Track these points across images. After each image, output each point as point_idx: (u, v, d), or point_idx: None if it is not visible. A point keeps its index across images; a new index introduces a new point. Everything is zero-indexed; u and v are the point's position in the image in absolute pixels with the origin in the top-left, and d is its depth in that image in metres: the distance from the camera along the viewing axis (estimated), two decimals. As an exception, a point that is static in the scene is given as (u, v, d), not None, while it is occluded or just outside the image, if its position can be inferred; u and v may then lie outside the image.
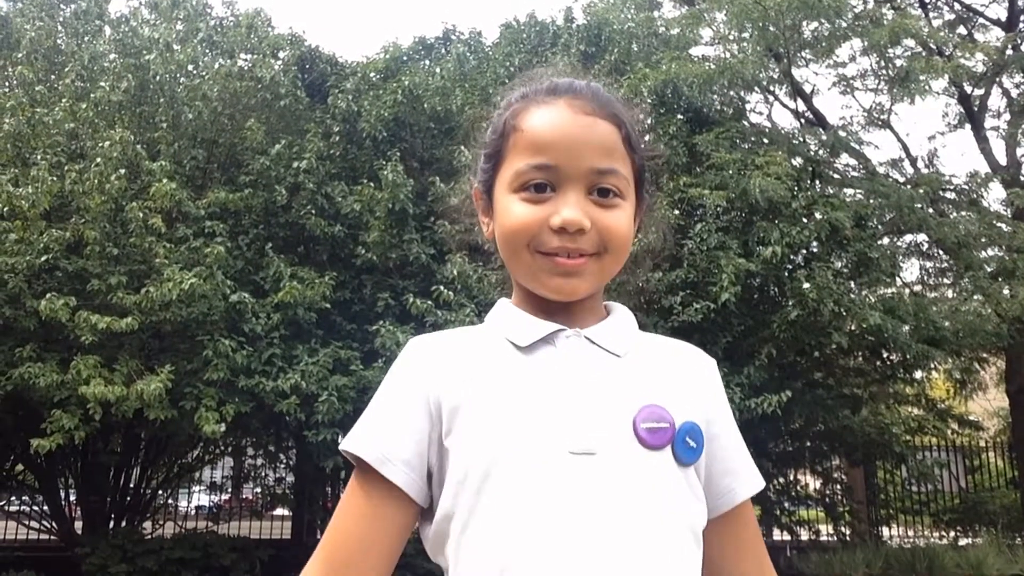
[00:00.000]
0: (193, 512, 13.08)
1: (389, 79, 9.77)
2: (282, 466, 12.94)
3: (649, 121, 10.45)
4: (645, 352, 1.03)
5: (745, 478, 1.02)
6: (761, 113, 12.98)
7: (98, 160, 7.74)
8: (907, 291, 11.18)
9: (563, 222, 0.94)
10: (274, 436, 11.71)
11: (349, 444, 0.95)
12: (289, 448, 12.15)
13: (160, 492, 11.86)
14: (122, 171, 7.81)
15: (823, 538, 12.72)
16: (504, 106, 1.06)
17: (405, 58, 10.99)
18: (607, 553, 0.83)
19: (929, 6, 13.58)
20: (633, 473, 0.89)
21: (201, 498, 13.60)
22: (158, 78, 8.83)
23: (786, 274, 9.07)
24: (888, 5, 12.79)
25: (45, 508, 10.79)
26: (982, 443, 14.45)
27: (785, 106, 13.92)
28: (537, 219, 0.96)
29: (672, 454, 0.92)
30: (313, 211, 8.74)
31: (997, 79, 12.58)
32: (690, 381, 1.02)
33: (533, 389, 0.93)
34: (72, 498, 11.34)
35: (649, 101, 10.04)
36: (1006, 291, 9.37)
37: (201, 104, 8.79)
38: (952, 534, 12.98)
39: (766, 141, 10.81)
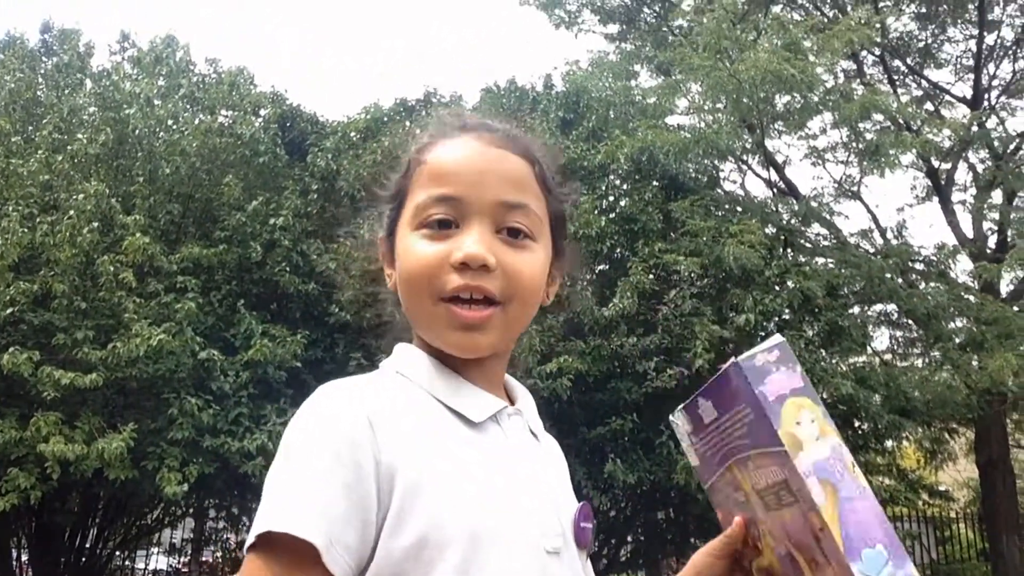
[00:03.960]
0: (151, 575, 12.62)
1: (369, 139, 9.85)
2: (245, 529, 12.58)
3: (625, 186, 10.62)
4: (545, 439, 0.99)
5: None
6: (735, 182, 13.19)
7: (71, 212, 7.66)
8: (877, 360, 11.27)
9: (465, 256, 0.85)
10: (238, 498, 11.41)
11: (287, 524, 0.74)
12: (253, 510, 11.82)
13: (117, 554, 11.46)
14: (95, 224, 7.73)
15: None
16: (411, 146, 0.98)
17: (386, 119, 11.08)
18: None
19: (897, 82, 14.04)
20: (578, 571, 0.87)
21: (159, 561, 13.14)
22: (137, 132, 8.83)
23: (759, 341, 9.11)
24: (858, 81, 13.20)
25: (-5, 569, 10.37)
26: (952, 514, 14.43)
27: (758, 175, 14.18)
28: (438, 257, 0.87)
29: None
30: (288, 268, 8.68)
31: (963, 155, 12.93)
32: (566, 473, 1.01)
33: (501, 479, 0.85)
34: (24, 559, 10.91)
35: (626, 167, 10.20)
36: (975, 363, 9.47)
37: (179, 159, 8.78)
38: (925, 607, 12.86)
39: (739, 209, 10.98)
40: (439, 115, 1.01)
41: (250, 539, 0.78)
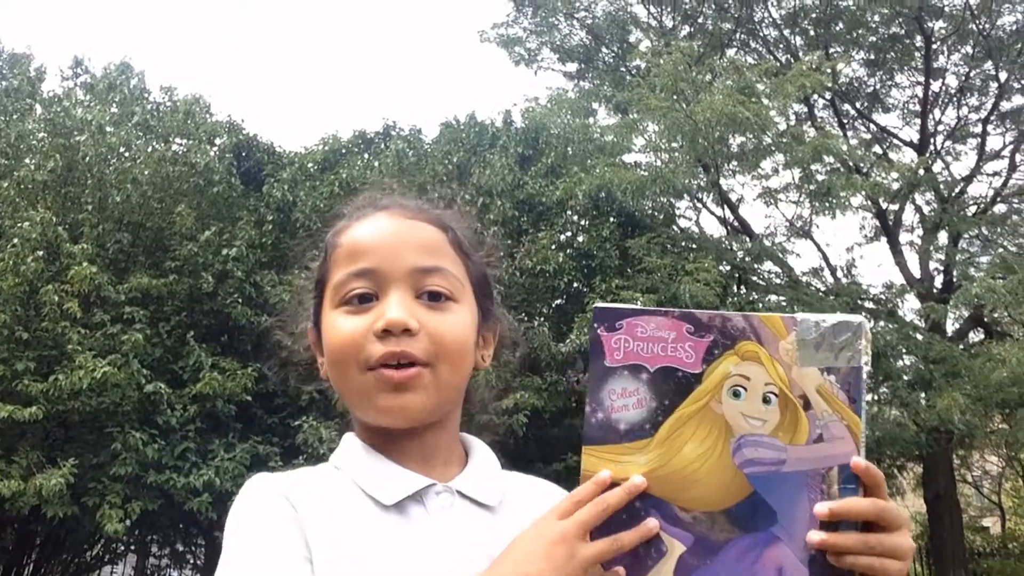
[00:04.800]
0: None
1: (327, 170, 9.80)
2: (190, 566, 12.21)
3: (583, 223, 10.70)
4: (516, 500, 0.93)
5: None
6: (690, 219, 13.39)
7: (15, 240, 7.45)
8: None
9: (387, 323, 0.86)
10: (183, 534, 11.09)
11: None
12: (199, 547, 11.50)
13: (54, 593, 11.02)
14: (40, 252, 7.53)
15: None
16: (329, 234, 0.99)
17: (344, 151, 11.05)
18: None
19: (847, 126, 14.43)
20: None
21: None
22: (87, 159, 8.65)
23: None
24: (809, 124, 13.54)
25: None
26: (902, 549, 14.61)
27: (713, 213, 14.41)
28: (361, 329, 0.87)
29: None
30: (240, 300, 8.53)
31: (910, 197, 13.29)
32: None
33: (409, 564, 0.82)
34: (-46, 599, 10.43)
35: (584, 204, 10.29)
36: (923, 400, 9.64)
37: (130, 187, 8.62)
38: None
39: (695, 247, 11.13)
40: (355, 200, 1.03)
41: None
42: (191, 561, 12.07)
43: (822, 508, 0.74)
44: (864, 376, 0.77)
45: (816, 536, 0.73)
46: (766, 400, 0.76)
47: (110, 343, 7.51)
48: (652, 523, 0.73)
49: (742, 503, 0.74)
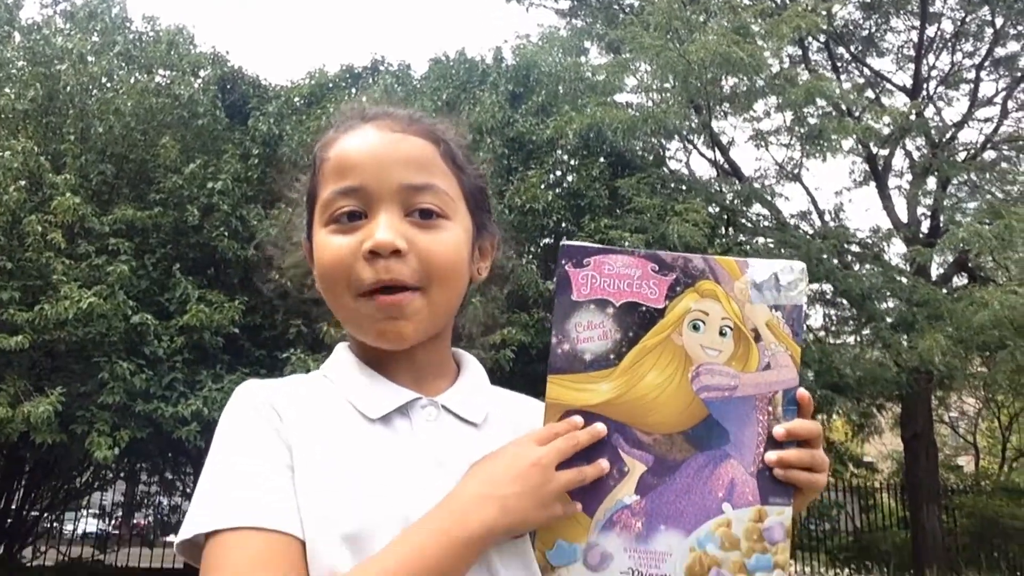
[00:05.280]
0: (79, 538, 12.33)
1: (313, 105, 9.65)
2: (179, 493, 12.38)
3: (573, 162, 10.63)
4: (502, 419, 0.93)
5: None
6: (680, 160, 13.32)
7: (-4, 169, 7.35)
8: (812, 338, 11.56)
9: (374, 244, 0.84)
10: (171, 462, 11.23)
11: (235, 519, 0.76)
12: (187, 475, 11.66)
13: (44, 516, 11.19)
14: (22, 182, 7.44)
15: None
16: (317, 146, 0.97)
17: (331, 85, 10.87)
18: None
19: (841, 69, 14.29)
20: (494, 568, 0.82)
21: (89, 524, 12.85)
22: (68, 89, 8.48)
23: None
24: (803, 66, 13.40)
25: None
26: (876, 484, 14.98)
27: (703, 156, 14.33)
28: (349, 249, 0.86)
29: (529, 539, 0.89)
30: (226, 233, 8.48)
31: (901, 142, 13.25)
32: None
33: (392, 475, 0.82)
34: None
35: (574, 143, 10.20)
36: (905, 342, 9.76)
37: (113, 118, 8.47)
38: (847, 571, 13.37)
39: (684, 188, 11.10)
40: (342, 109, 1.01)
41: (195, 529, 0.78)
42: (180, 489, 12.24)
43: (780, 430, 0.81)
44: (803, 313, 0.85)
45: (773, 454, 0.81)
46: (722, 333, 0.82)
47: (95, 274, 7.47)
48: (604, 464, 0.78)
49: (698, 425, 0.81)
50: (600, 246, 0.82)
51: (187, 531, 0.79)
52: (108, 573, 9.46)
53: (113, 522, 12.78)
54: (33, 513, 10.80)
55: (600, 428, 0.78)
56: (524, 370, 8.35)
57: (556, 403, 0.79)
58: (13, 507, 10.29)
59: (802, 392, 0.83)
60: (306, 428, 0.84)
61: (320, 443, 0.83)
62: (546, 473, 0.77)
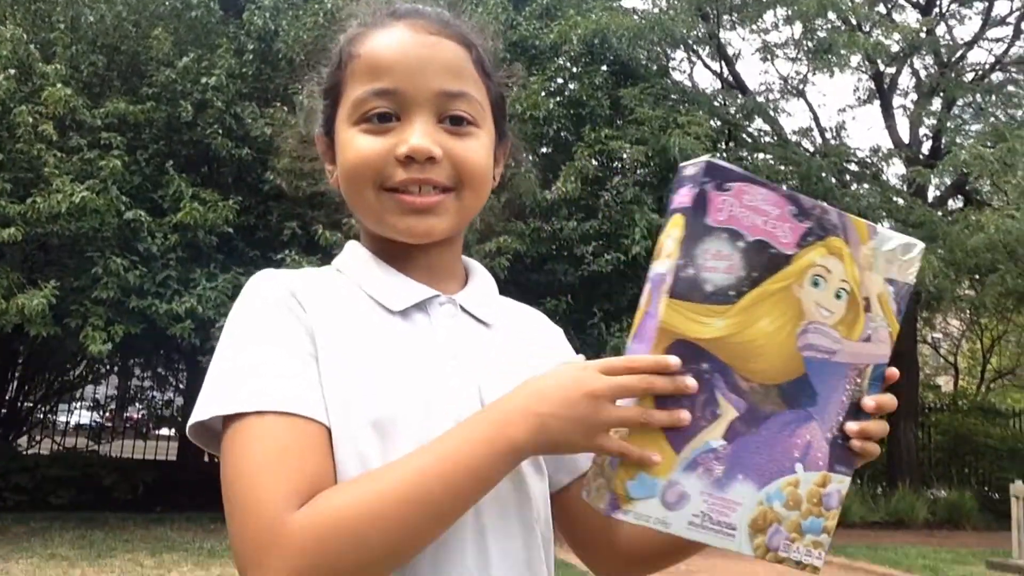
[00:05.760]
0: (74, 430, 12.59)
1: (310, 0, 9.32)
2: (171, 388, 12.56)
3: (576, 69, 10.40)
4: (509, 321, 0.96)
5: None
6: (684, 72, 13.10)
7: (-17, 56, 7.14)
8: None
9: (409, 150, 0.84)
10: (164, 358, 11.35)
11: (259, 403, 0.75)
12: (180, 371, 11.80)
13: (38, 407, 11.37)
14: (11, 71, 7.24)
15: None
16: (342, 37, 0.94)
17: (328, -22, 10.49)
18: (487, 539, 0.82)
19: (853, -19, 13.87)
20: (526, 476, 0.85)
21: (83, 416, 13.09)
22: (57, -27, 8.16)
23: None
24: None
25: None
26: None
27: (708, 67, 14.04)
28: (381, 151, 0.85)
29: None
30: (220, 131, 8.32)
31: (909, 60, 12.99)
32: (550, 354, 0.96)
33: (415, 365, 0.83)
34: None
35: (577, 49, 9.96)
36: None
37: (104, 7, 8.19)
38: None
39: (687, 101, 10.91)
40: (367, 1, 0.96)
41: (212, 411, 0.77)
42: (173, 384, 12.41)
43: (870, 402, 0.81)
44: (911, 294, 0.83)
45: (855, 425, 0.80)
46: (838, 295, 0.80)
47: (87, 168, 7.36)
48: (683, 415, 0.75)
49: (793, 382, 0.79)
50: (745, 172, 0.77)
51: (204, 412, 0.77)
52: (103, 463, 9.65)
53: (106, 415, 12.99)
54: (27, 404, 10.96)
55: (690, 384, 0.74)
56: (518, 279, 8.39)
57: (670, 330, 0.75)
58: (7, 397, 10.44)
59: (892, 370, 0.82)
60: (328, 317, 0.84)
61: (343, 332, 0.83)
62: (598, 405, 0.74)
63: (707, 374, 0.76)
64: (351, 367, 0.81)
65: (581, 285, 8.73)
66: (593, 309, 8.61)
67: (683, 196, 0.77)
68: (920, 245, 0.83)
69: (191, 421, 0.78)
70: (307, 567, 0.69)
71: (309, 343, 0.81)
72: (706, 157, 0.77)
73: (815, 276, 0.79)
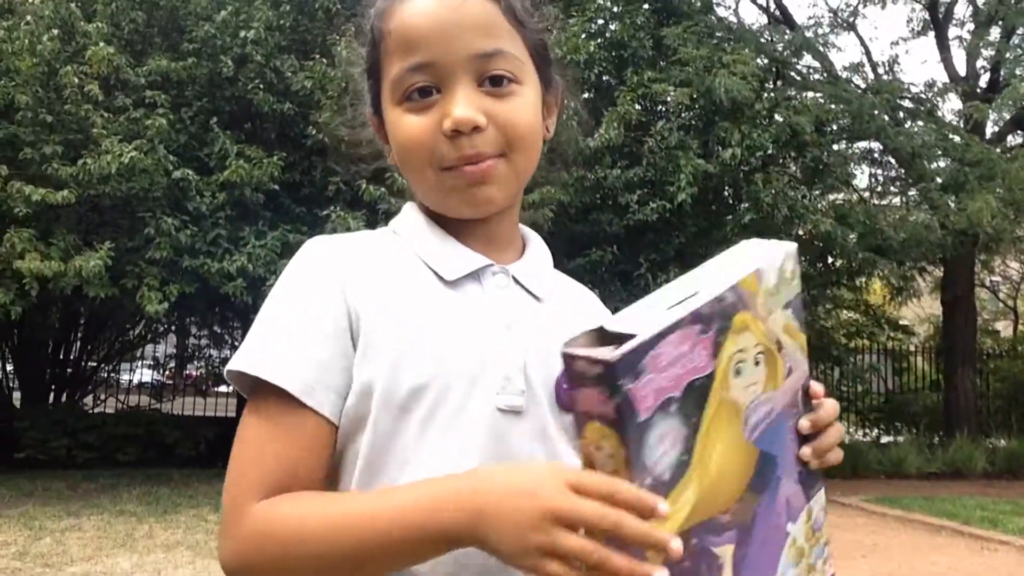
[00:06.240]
0: (136, 388, 13.01)
1: (345, -54, 9.20)
2: (227, 346, 12.85)
3: (616, 9, 10.13)
4: (560, 297, 0.94)
5: None
6: (729, 7, 12.67)
7: (28, 18, 7.20)
8: (856, 198, 11.33)
9: (454, 123, 0.82)
10: (219, 317, 11.58)
11: (264, 371, 0.78)
12: (235, 329, 12.04)
13: (101, 367, 11.73)
14: (55, 31, 7.29)
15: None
16: (372, 13, 0.92)
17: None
18: None
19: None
20: (551, 435, 0.84)
21: (144, 374, 13.51)
22: (93, -70, 8.15)
23: (742, 176, 9.05)
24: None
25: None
26: (911, 348, 15.05)
27: (753, 1, 13.61)
28: (428, 128, 0.84)
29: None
30: (261, 86, 8.33)
31: (967, -14, 12.42)
32: None
33: (461, 334, 0.84)
34: (10, 369, 11.14)
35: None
36: (952, 203, 9.52)
37: (141, -39, 8.17)
38: (876, 432, 13.66)
39: (732, 38, 10.59)
40: None
41: (233, 366, 0.81)
42: (228, 342, 12.69)
43: (804, 423, 0.77)
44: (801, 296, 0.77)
45: (807, 449, 0.77)
46: (756, 362, 0.72)
47: (134, 128, 7.44)
48: (642, 571, 0.62)
49: (756, 469, 0.72)
50: (645, 337, 0.63)
51: (231, 365, 0.82)
52: (165, 420, 9.95)
53: (166, 373, 13.37)
54: (91, 364, 11.31)
55: (674, 549, 0.62)
56: (561, 230, 8.33)
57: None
58: (72, 358, 10.78)
59: (814, 385, 0.78)
60: (378, 283, 0.85)
61: (393, 298, 0.84)
62: (550, 527, 0.63)
63: (695, 537, 0.67)
64: (400, 332, 0.82)
65: (626, 235, 8.63)
66: (639, 259, 8.52)
67: (595, 403, 0.64)
68: (792, 247, 0.76)
69: (227, 368, 0.83)
70: (246, 556, 0.75)
71: (342, 318, 0.82)
72: (607, 352, 0.63)
73: (736, 368, 0.70)
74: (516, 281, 0.90)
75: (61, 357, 10.63)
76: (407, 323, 0.82)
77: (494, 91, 0.85)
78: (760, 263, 0.73)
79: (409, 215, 0.94)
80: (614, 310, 0.81)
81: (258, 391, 0.80)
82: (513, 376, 0.83)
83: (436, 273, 0.87)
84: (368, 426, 0.79)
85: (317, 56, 8.28)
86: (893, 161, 11.89)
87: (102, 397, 11.39)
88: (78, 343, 10.89)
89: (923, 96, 12.50)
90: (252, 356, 0.81)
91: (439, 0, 0.85)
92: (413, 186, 0.91)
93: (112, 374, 12.39)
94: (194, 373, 13.78)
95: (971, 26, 13.12)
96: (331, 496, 0.77)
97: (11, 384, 10.89)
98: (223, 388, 13.16)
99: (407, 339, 0.81)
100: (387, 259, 0.88)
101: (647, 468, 0.64)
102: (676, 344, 0.66)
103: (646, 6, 9.86)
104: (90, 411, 10.31)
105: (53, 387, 10.41)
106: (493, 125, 0.84)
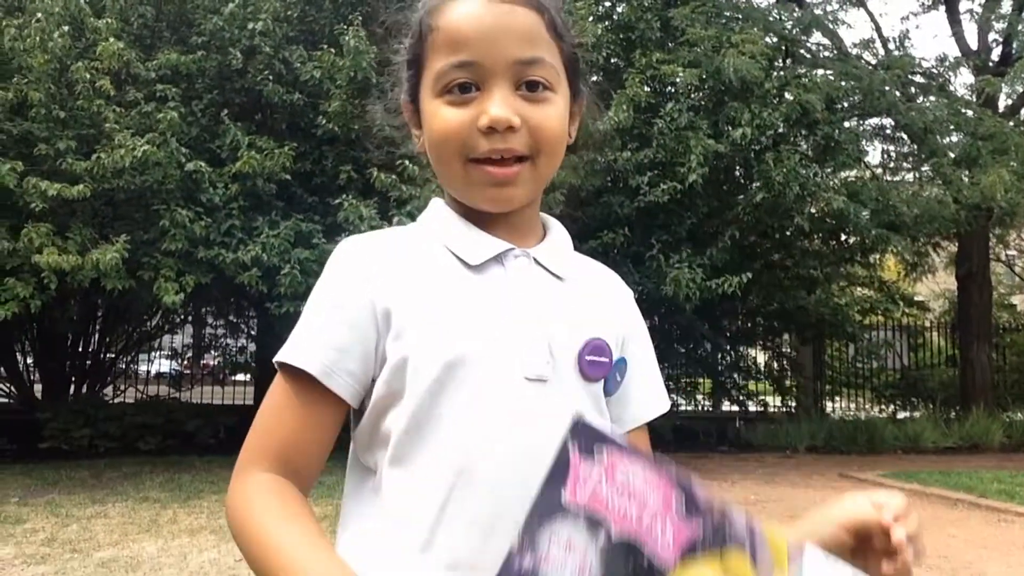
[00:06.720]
0: (155, 378, 13.17)
1: (350, -66, 9.19)
2: (243, 335, 12.97)
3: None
4: (582, 277, 1.01)
5: (652, 403, 1.03)
6: (737, -14, 12.53)
7: (39, 15, 7.25)
8: (869, 175, 11.27)
9: (490, 120, 0.89)
10: (235, 306, 11.69)
11: (290, 357, 0.89)
12: (251, 318, 12.14)
13: (120, 358, 11.87)
14: (65, 28, 7.35)
15: (770, 410, 13.31)
16: (420, 8, 0.99)
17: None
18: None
19: None
20: (574, 403, 0.90)
21: (162, 365, 13.66)
22: (100, -75, 8.19)
23: (752, 155, 9.03)
24: None
25: (2, 372, 10.73)
26: (927, 323, 15.00)
27: (762, -21, 13.49)
28: (464, 122, 0.90)
29: (603, 386, 0.95)
30: (271, 77, 8.37)
31: (978, -42, 12.27)
32: (619, 311, 1.03)
33: (487, 310, 0.91)
34: (30, 362, 11.30)
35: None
36: (965, 178, 9.46)
37: (148, -44, 8.20)
38: (892, 408, 13.65)
39: (740, 17, 10.52)
40: None
41: (276, 359, 0.92)
42: (245, 332, 12.81)
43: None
44: None
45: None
46: None
47: (146, 122, 7.50)
48: None
49: None
50: (620, 440, 0.59)
51: (277, 357, 0.92)
52: (185, 408, 10.08)
53: (184, 362, 13.52)
54: (110, 355, 11.44)
55: None
56: (573, 213, 8.35)
57: None
58: (91, 350, 10.91)
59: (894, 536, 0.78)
60: (405, 273, 0.92)
61: (421, 286, 0.91)
62: None
63: None
64: (429, 314, 0.89)
65: (638, 217, 8.64)
66: (651, 240, 8.54)
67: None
68: None
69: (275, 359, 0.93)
70: (227, 510, 0.87)
71: (365, 309, 0.90)
72: (575, 414, 0.61)
73: None
74: (537, 263, 0.96)
75: (80, 349, 10.76)
76: (436, 305, 0.90)
77: (529, 96, 0.91)
78: (812, 551, 0.63)
79: (435, 208, 1.01)
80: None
81: (288, 375, 0.90)
82: (538, 348, 0.90)
83: (461, 259, 0.94)
84: (404, 399, 0.87)
85: (325, 46, 8.31)
86: (905, 137, 11.81)
87: (122, 387, 11.53)
88: (97, 335, 11.02)
89: (934, 71, 12.38)
90: (285, 347, 0.91)
91: (489, 6, 0.91)
92: (440, 175, 0.97)
93: (131, 365, 12.54)
94: (211, 362, 13.92)
95: (983, -1, 12.98)
96: (281, 512, 0.83)
97: (32, 377, 11.05)
98: (240, 376, 13.29)
99: (436, 320, 0.89)
100: (414, 251, 0.96)
101: (534, 545, 0.57)
102: (646, 480, 0.59)
103: (653, -14, 9.80)
104: (111, 401, 10.45)
105: (73, 379, 10.54)
106: (526, 128, 0.91)
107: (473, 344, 0.88)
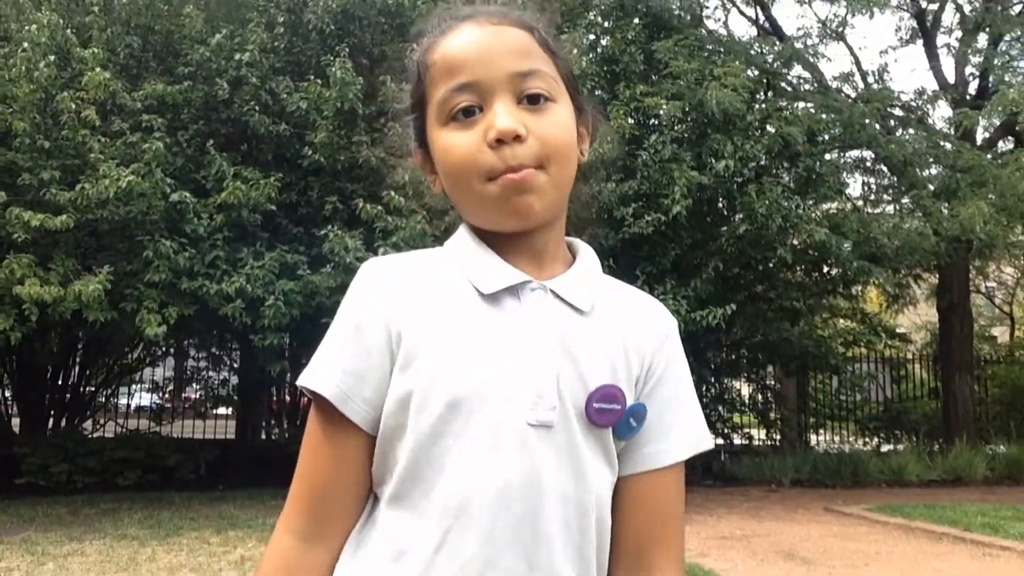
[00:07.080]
0: (135, 412, 13.00)
1: (338, -31, 9.27)
2: (226, 368, 12.85)
3: (606, 24, 10.23)
4: (609, 310, 0.97)
5: (673, 449, 0.96)
6: (718, 20, 12.79)
7: (24, 45, 7.25)
8: (849, 206, 11.39)
9: (497, 133, 0.88)
10: (217, 338, 11.59)
11: (308, 380, 0.91)
12: (233, 350, 12.04)
13: (100, 391, 11.72)
14: (51, 58, 7.35)
15: (755, 443, 13.29)
16: (416, 52, 1.01)
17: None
18: (544, 520, 0.86)
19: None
20: (579, 450, 0.89)
21: (143, 398, 13.50)
22: (87, -43, 8.23)
23: (735, 187, 9.12)
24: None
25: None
26: (908, 355, 15.08)
27: (743, 14, 13.75)
28: (474, 142, 0.90)
29: (613, 431, 0.92)
30: (257, 108, 8.38)
31: (953, -5, 12.54)
32: (647, 348, 0.96)
33: (497, 348, 0.89)
34: (8, 395, 11.13)
35: (608, 3, 9.80)
36: (945, 210, 9.59)
37: (136, -14, 8.24)
38: (876, 441, 13.66)
39: (723, 51, 10.69)
40: (431, 18, 1.02)
41: (299, 381, 0.94)
42: (227, 364, 12.69)
43: None
44: None
45: None
46: None
47: (131, 152, 7.48)
48: None
49: None
50: None
51: (299, 381, 0.94)
52: (165, 443, 9.93)
53: (165, 396, 13.37)
54: (90, 388, 11.30)
55: None
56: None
57: None
58: (71, 383, 10.77)
59: None
60: (420, 299, 0.92)
61: (433, 314, 0.90)
62: None
63: None
64: (437, 347, 0.88)
65: (622, 248, 8.67)
66: (635, 272, 8.57)
67: None
68: None
69: (298, 382, 0.95)
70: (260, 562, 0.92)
71: (381, 333, 0.90)
72: None
73: None
74: (556, 295, 0.93)
75: (60, 382, 10.62)
76: (445, 338, 0.89)
77: (531, 107, 0.91)
78: None
79: (460, 234, 1.00)
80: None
81: (314, 398, 0.92)
82: (546, 392, 0.87)
83: (476, 288, 0.92)
84: (406, 436, 0.86)
85: (312, 77, 8.35)
86: (885, 169, 11.97)
87: (101, 421, 11.36)
88: (77, 368, 10.88)
89: (913, 104, 12.61)
90: (306, 369, 0.92)
91: (479, 28, 0.94)
92: (459, 202, 0.96)
93: (111, 398, 12.37)
94: (193, 395, 13.77)
95: (959, 33, 13.25)
96: None
97: (10, 411, 10.88)
98: (222, 410, 13.15)
99: (444, 354, 0.87)
100: (432, 276, 0.95)
101: None
102: None
103: (637, 21, 9.95)
104: (90, 436, 10.29)
105: (52, 412, 10.39)
106: (532, 137, 0.90)
107: (478, 384, 0.86)
